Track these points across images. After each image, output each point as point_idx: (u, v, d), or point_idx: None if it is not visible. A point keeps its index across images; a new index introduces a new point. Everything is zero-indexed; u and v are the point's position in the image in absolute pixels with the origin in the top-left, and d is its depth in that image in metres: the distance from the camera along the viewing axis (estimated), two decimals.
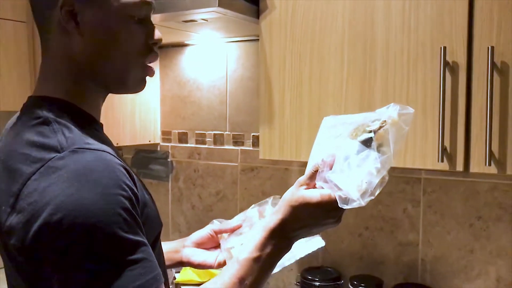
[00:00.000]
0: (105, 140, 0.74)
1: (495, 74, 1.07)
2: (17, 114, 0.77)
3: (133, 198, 0.65)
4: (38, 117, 0.69)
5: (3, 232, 0.66)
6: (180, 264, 1.05)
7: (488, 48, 1.06)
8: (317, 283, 1.55)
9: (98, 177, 0.62)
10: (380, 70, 1.21)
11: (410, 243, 1.55)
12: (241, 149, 1.88)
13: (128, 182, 0.65)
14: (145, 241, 0.65)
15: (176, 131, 2.03)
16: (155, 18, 1.45)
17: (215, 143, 1.93)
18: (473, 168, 1.12)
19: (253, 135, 1.85)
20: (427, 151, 1.16)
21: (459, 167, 1.13)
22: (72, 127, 0.68)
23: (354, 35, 1.24)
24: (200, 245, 1.05)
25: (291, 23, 1.34)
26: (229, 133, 1.90)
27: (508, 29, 1.07)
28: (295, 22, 1.33)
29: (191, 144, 1.99)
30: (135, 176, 0.71)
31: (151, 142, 2.03)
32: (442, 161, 1.12)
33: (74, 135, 0.67)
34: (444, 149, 1.13)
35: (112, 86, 0.78)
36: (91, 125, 0.74)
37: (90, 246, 0.60)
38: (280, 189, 1.78)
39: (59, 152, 0.64)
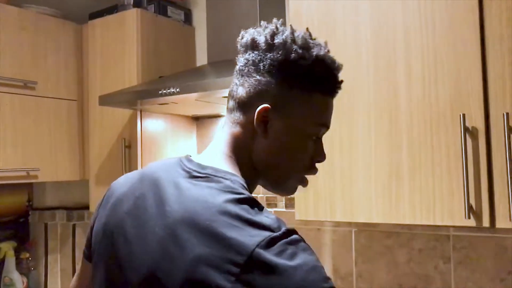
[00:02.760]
0: None
1: None
2: (178, 170, 0.80)
3: None
4: (239, 193, 0.74)
5: None
6: None
7: (504, 114, 1.18)
8: None
9: (312, 256, 0.70)
10: (405, 137, 1.33)
11: None
12: (274, 210, 1.98)
13: None
14: None
15: None
16: (195, 95, 1.63)
17: None
18: (499, 224, 1.20)
19: (285, 197, 1.96)
20: (454, 209, 1.25)
21: (485, 223, 1.21)
22: (265, 208, 0.75)
23: (379, 105, 1.38)
24: None
25: None
26: (263, 195, 2.01)
27: None
28: None
29: None
30: None
31: None
32: (469, 218, 1.21)
33: (273, 217, 0.73)
34: (470, 207, 1.22)
35: (267, 184, 0.87)
36: None
37: None
38: (313, 249, 1.85)
39: (273, 231, 0.69)
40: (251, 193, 0.81)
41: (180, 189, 0.76)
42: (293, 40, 0.80)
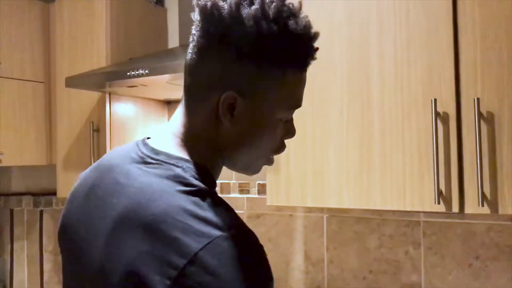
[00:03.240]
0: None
1: (482, 123, 1.18)
2: (133, 155, 0.74)
3: None
4: (190, 184, 0.66)
5: None
6: None
7: (474, 99, 1.18)
8: None
9: (261, 263, 0.63)
10: (377, 122, 1.32)
11: (413, 284, 1.61)
12: (247, 197, 1.96)
13: None
14: None
15: None
16: (165, 77, 1.58)
17: (221, 191, 2.01)
18: (468, 209, 1.20)
19: (258, 183, 1.94)
20: (424, 195, 1.25)
21: (455, 208, 1.21)
22: (221, 200, 0.68)
23: (352, 90, 1.36)
24: None
25: None
26: (235, 181, 1.99)
27: (492, 81, 1.19)
28: None
29: None
30: None
31: None
32: (439, 203, 1.21)
33: (228, 213, 0.66)
34: (440, 192, 1.22)
35: (232, 167, 0.79)
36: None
37: None
38: (285, 235, 1.85)
39: (223, 230, 0.61)
40: (216, 178, 0.75)
41: (129, 177, 0.70)
42: (263, 11, 0.68)
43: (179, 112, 0.76)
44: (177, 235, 0.61)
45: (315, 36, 0.73)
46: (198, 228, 0.61)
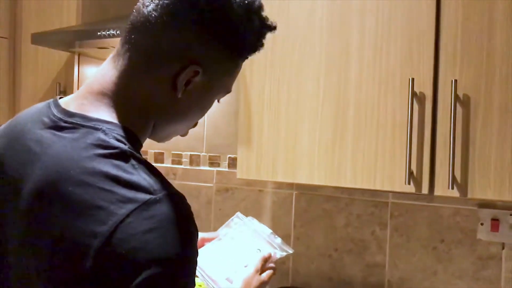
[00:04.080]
0: None
1: (458, 105, 1.17)
2: (44, 118, 0.68)
3: None
4: (111, 146, 0.62)
5: (81, 274, 0.58)
6: None
7: (452, 81, 1.16)
8: None
9: (191, 228, 0.62)
10: (353, 97, 1.30)
11: (377, 264, 1.62)
12: (216, 170, 1.93)
13: None
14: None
15: (153, 151, 2.07)
16: None
17: (191, 163, 1.97)
18: (437, 191, 1.20)
19: (229, 156, 1.90)
20: (395, 175, 1.24)
21: (425, 190, 1.21)
22: (147, 162, 0.64)
23: (330, 64, 1.33)
24: None
25: (271, 51, 1.41)
26: (206, 154, 1.95)
27: (470, 64, 1.17)
28: (275, 50, 1.41)
29: (167, 164, 2.02)
30: None
31: None
32: (409, 184, 1.20)
33: (154, 175, 0.63)
34: (411, 173, 1.21)
35: (154, 136, 0.77)
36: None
37: None
38: (253, 210, 1.83)
39: (151, 193, 0.59)
40: (141, 145, 0.70)
41: (42, 145, 0.65)
42: (252, 4, 0.69)
43: (113, 70, 0.69)
44: (100, 204, 0.57)
45: (275, 29, 0.75)
46: (123, 194, 0.58)
